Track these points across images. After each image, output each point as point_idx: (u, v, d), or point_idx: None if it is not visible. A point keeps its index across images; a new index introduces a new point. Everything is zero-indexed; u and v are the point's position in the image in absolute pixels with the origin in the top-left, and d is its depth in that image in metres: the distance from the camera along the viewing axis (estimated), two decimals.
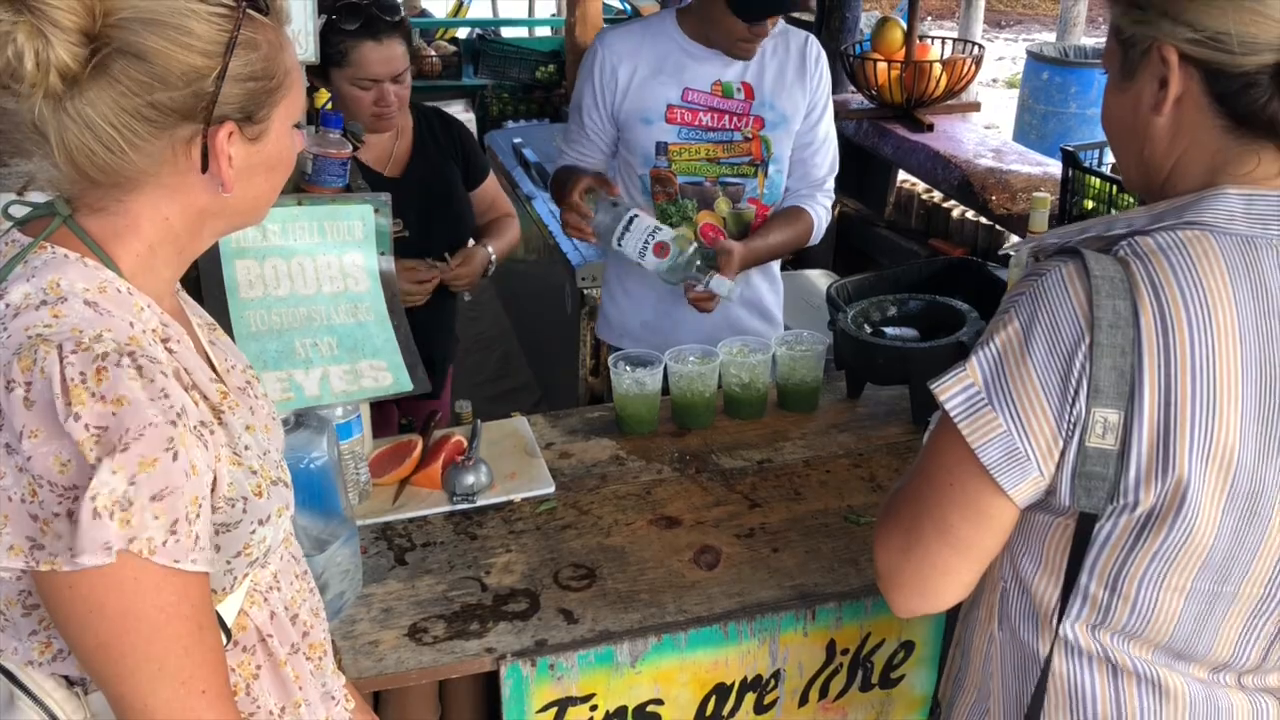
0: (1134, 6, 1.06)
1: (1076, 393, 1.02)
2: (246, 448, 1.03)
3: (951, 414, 1.07)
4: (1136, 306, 1.00)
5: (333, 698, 1.20)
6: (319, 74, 2.32)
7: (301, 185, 1.88)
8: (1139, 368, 1.00)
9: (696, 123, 2.29)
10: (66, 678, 0.99)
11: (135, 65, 0.92)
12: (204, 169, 0.98)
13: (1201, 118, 1.05)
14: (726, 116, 2.29)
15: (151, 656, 0.92)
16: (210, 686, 0.96)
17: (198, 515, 0.93)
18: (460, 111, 5.56)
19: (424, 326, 1.86)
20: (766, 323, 2.50)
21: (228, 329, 1.56)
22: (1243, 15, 0.99)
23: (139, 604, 0.91)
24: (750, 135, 2.31)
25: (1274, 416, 1.01)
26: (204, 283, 1.58)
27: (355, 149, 1.93)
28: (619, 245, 2.16)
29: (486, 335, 4.96)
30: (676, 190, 2.31)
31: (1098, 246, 1.07)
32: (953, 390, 1.08)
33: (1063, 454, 1.04)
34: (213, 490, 0.96)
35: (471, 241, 2.61)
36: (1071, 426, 1.03)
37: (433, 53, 6.09)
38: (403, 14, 2.36)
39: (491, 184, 2.70)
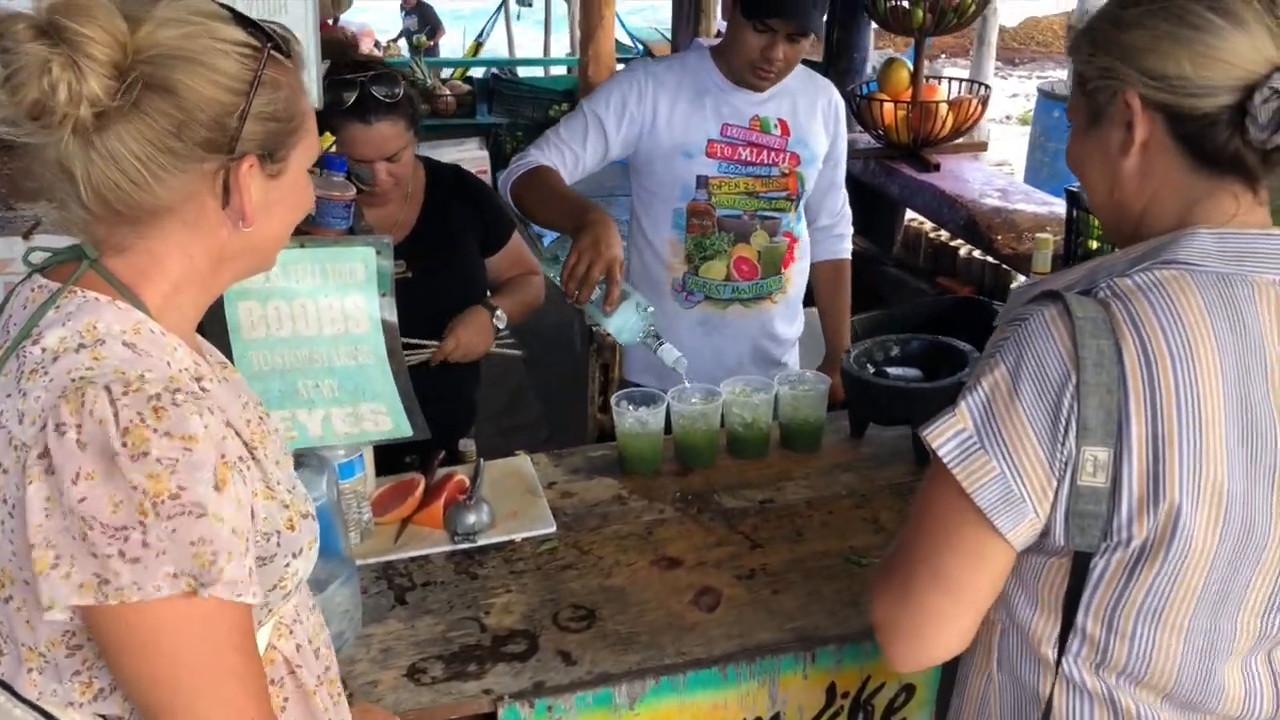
0: (1094, 55, 1.09)
1: (1066, 432, 1.03)
2: (278, 482, 1.05)
3: (944, 459, 1.08)
4: (1119, 345, 1.02)
5: None
6: (321, 118, 2.29)
7: (304, 227, 1.89)
8: (1125, 405, 1.01)
9: (736, 157, 2.35)
10: (104, 717, 1.00)
11: (164, 99, 0.94)
12: (225, 203, 1.00)
13: (1169, 159, 1.08)
14: (765, 151, 2.36)
15: (206, 688, 0.94)
16: (260, 715, 0.98)
17: (245, 550, 0.95)
18: (474, 150, 5.61)
19: (436, 403, 1.77)
20: (790, 351, 2.61)
21: None
22: (1196, 60, 1.02)
23: (195, 636, 0.93)
24: (787, 170, 2.38)
25: (1259, 448, 1.02)
26: (206, 324, 1.60)
27: (359, 192, 1.95)
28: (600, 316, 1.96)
29: (497, 370, 4.97)
30: (714, 224, 2.36)
31: (1079, 291, 1.09)
32: (944, 435, 1.08)
33: (1055, 494, 1.05)
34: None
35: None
36: (1063, 466, 1.04)
37: (447, 92, 6.16)
38: (402, 90, 2.17)
39: (511, 246, 2.50)
